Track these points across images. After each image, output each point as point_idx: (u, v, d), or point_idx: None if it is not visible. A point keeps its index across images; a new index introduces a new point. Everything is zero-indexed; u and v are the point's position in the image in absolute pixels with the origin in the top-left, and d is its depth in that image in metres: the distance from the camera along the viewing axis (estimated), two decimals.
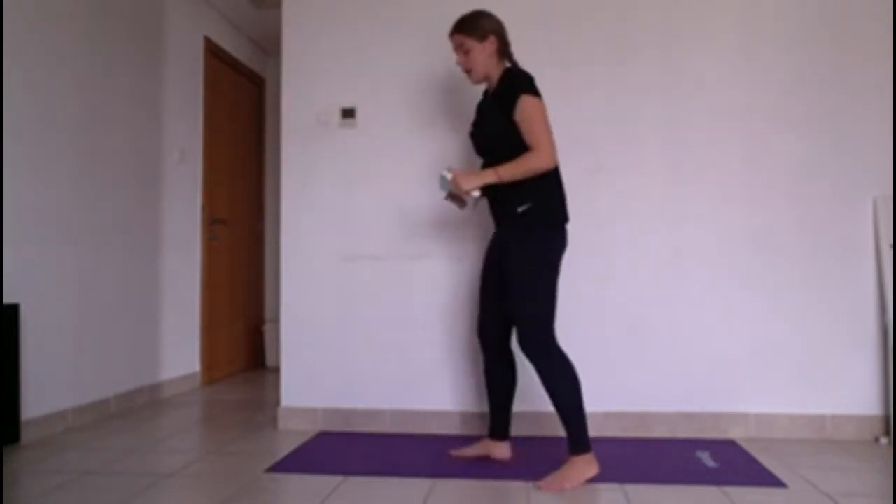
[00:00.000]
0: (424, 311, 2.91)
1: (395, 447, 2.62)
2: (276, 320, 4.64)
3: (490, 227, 2.83)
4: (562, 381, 2.15)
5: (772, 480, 2.17)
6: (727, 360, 2.76)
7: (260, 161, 5.20)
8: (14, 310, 2.66)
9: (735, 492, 2.06)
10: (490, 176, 2.14)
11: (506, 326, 2.34)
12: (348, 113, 2.98)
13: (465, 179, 2.15)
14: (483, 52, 2.23)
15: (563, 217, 2.24)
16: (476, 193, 2.20)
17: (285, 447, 2.62)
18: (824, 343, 2.74)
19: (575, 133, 2.74)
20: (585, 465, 2.14)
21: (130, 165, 3.50)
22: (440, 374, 2.89)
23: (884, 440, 2.64)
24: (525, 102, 2.13)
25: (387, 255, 2.94)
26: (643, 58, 2.84)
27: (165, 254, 3.82)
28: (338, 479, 2.21)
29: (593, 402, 2.50)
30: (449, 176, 2.20)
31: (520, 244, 2.18)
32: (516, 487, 2.13)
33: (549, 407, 2.69)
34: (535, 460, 2.40)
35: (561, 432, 2.66)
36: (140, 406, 3.47)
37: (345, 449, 2.60)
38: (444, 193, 2.37)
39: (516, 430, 2.67)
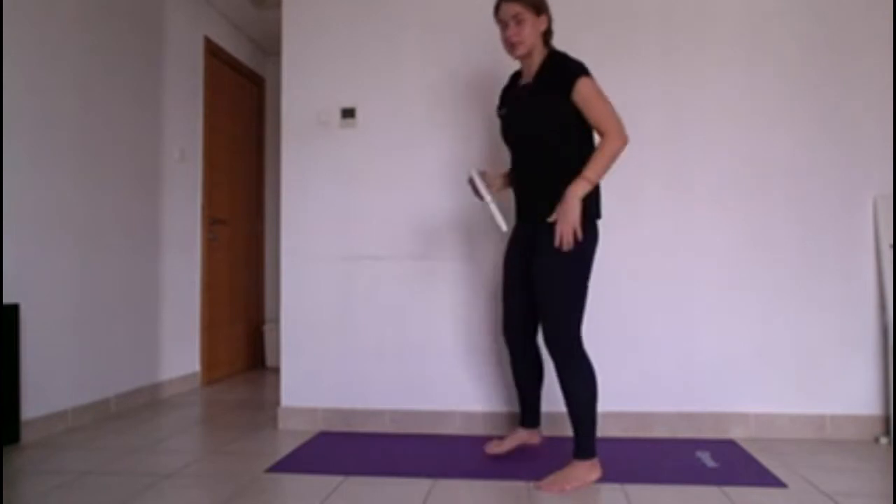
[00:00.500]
0: (424, 310, 2.91)
1: (395, 447, 2.62)
2: (276, 320, 4.64)
3: (490, 227, 2.83)
4: (581, 383, 2.14)
5: (772, 480, 2.17)
6: (727, 360, 2.76)
7: (260, 161, 5.20)
8: (14, 310, 2.66)
9: (735, 492, 2.06)
10: (584, 187, 2.03)
11: (533, 323, 2.31)
12: (348, 113, 2.98)
13: (568, 224, 2.02)
14: (536, 28, 2.13)
15: (596, 213, 2.18)
16: (489, 198, 2.17)
17: (285, 447, 2.62)
18: (824, 343, 2.73)
19: None
20: (589, 469, 2.14)
21: (130, 165, 3.50)
22: (440, 373, 2.89)
23: (884, 440, 2.64)
24: (586, 84, 2.07)
25: (387, 255, 2.94)
26: (643, 58, 2.84)
27: (165, 254, 3.82)
28: (338, 479, 2.21)
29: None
30: (476, 175, 2.20)
31: (553, 242, 2.08)
32: (517, 487, 2.13)
33: (549, 407, 2.70)
34: (537, 461, 2.40)
35: (561, 432, 2.66)
36: (140, 406, 3.47)
37: (345, 449, 2.60)
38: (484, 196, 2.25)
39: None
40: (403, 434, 2.83)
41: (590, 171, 2.05)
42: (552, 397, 2.54)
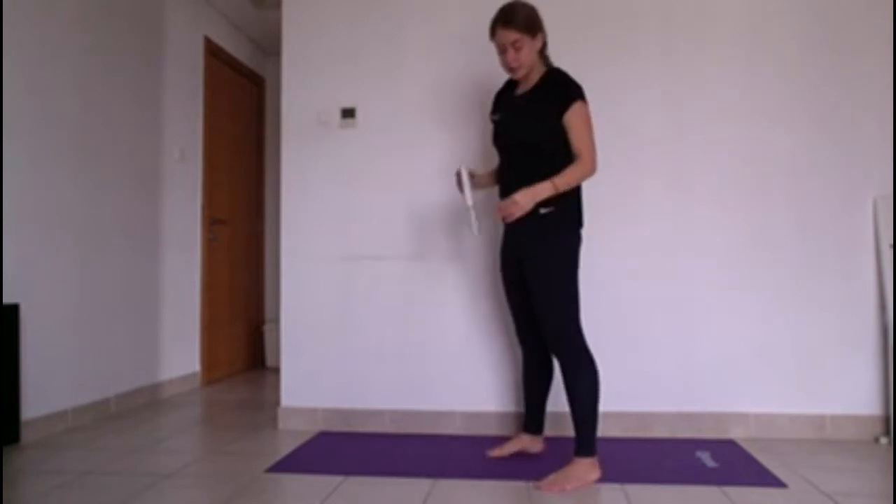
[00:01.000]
0: (424, 310, 2.91)
1: (395, 447, 2.62)
2: (276, 320, 4.64)
3: (490, 227, 2.83)
4: (584, 381, 2.17)
5: (772, 480, 2.17)
6: (727, 360, 2.76)
7: (260, 161, 5.20)
8: (14, 310, 2.66)
9: (735, 492, 2.06)
10: (548, 189, 2.09)
11: (535, 325, 2.34)
12: (348, 113, 2.98)
13: (522, 204, 2.08)
14: (533, 49, 2.18)
15: (580, 221, 2.25)
16: (470, 202, 2.24)
17: (285, 447, 2.62)
18: (824, 343, 2.73)
19: None
20: (589, 468, 2.15)
21: (130, 165, 3.50)
22: (440, 373, 2.89)
23: (884, 440, 2.64)
24: (581, 108, 2.15)
25: (387, 255, 2.94)
26: (643, 58, 2.84)
27: (165, 254, 3.82)
28: (338, 479, 2.21)
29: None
30: (465, 172, 2.27)
31: (541, 247, 2.17)
32: (517, 487, 2.13)
33: (550, 407, 2.70)
34: (538, 461, 2.40)
35: (560, 432, 2.66)
36: (140, 406, 3.47)
37: (345, 449, 2.60)
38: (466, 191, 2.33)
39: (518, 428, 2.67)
40: (403, 434, 2.83)
41: (559, 180, 2.11)
42: (554, 398, 2.55)
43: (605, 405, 2.72)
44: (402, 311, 2.92)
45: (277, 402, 3.05)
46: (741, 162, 2.79)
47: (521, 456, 2.45)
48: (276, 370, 3.44)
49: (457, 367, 2.88)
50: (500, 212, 2.13)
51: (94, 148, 3.20)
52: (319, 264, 2.97)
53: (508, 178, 2.28)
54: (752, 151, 2.79)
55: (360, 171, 2.97)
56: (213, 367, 4.32)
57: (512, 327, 2.63)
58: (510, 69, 2.23)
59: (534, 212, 2.14)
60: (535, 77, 2.25)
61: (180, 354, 3.97)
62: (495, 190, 2.57)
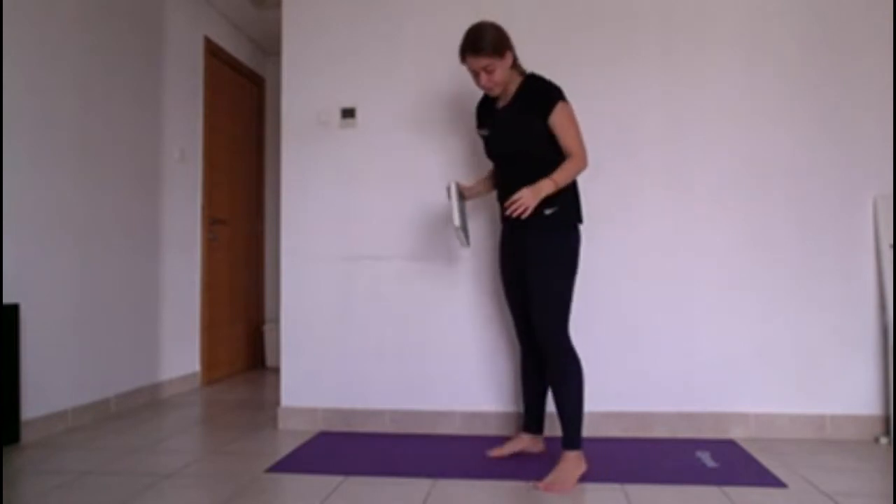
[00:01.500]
0: (424, 310, 2.91)
1: (395, 447, 2.62)
2: (276, 320, 4.64)
3: (489, 226, 2.83)
4: (572, 379, 2.23)
5: (772, 480, 2.17)
6: (727, 360, 2.76)
7: (260, 161, 5.20)
8: (14, 310, 2.66)
9: (735, 492, 2.06)
10: (549, 186, 2.14)
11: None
12: (348, 113, 2.98)
13: (528, 201, 2.11)
14: (504, 68, 2.23)
15: (580, 218, 2.31)
16: (457, 223, 2.27)
17: (285, 447, 2.62)
18: (824, 343, 2.73)
19: None
20: (577, 461, 2.19)
21: (130, 165, 3.50)
22: (440, 373, 2.89)
23: (884, 440, 2.64)
24: (564, 109, 2.21)
25: (387, 255, 2.94)
26: (643, 58, 2.84)
27: (165, 254, 3.82)
28: (338, 479, 2.21)
29: (593, 402, 2.50)
30: (454, 189, 2.33)
31: (545, 247, 2.23)
32: (517, 487, 2.13)
33: (550, 407, 2.70)
34: (537, 461, 2.40)
35: (560, 432, 2.66)
36: (140, 406, 3.47)
37: (345, 449, 2.60)
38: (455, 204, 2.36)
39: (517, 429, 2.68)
40: (403, 434, 2.83)
41: (558, 176, 2.17)
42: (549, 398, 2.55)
43: (605, 405, 2.73)
44: (402, 311, 2.92)
45: (277, 402, 3.05)
46: (741, 162, 2.79)
47: (520, 456, 2.45)
48: (276, 370, 3.44)
49: (457, 367, 2.88)
50: (515, 212, 2.13)
51: (94, 148, 3.20)
52: (319, 264, 2.97)
53: (506, 184, 2.32)
54: (752, 151, 2.79)
55: (360, 171, 2.97)
56: (213, 367, 4.32)
57: (512, 327, 2.64)
58: (486, 90, 2.29)
59: (538, 212, 2.19)
60: (513, 88, 2.30)
61: (180, 354, 3.97)
62: (488, 195, 2.60)
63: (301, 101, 3.01)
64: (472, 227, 2.86)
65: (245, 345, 4.84)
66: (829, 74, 2.77)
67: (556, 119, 2.20)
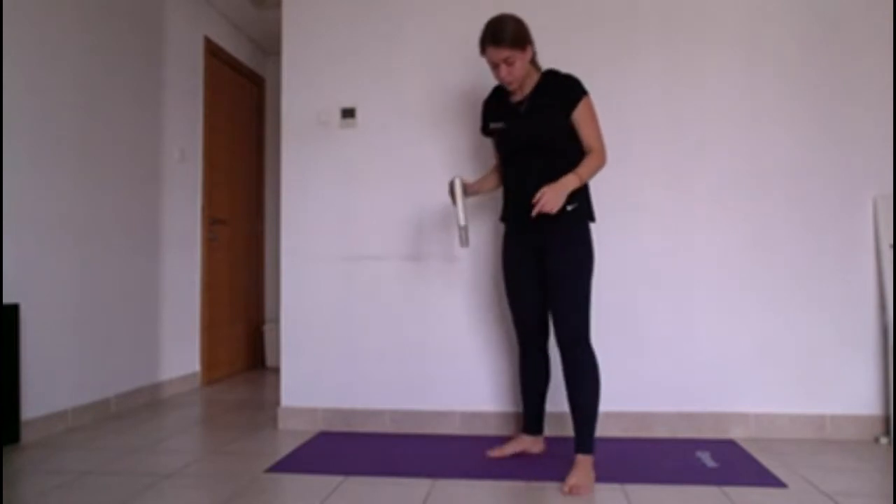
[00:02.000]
0: (424, 310, 2.91)
1: (395, 447, 2.62)
2: (276, 320, 4.64)
3: (490, 227, 2.83)
4: (591, 379, 2.21)
5: (772, 480, 2.17)
6: (727, 360, 2.76)
7: (260, 161, 5.20)
8: (14, 310, 2.66)
9: (735, 492, 2.06)
10: (574, 181, 2.13)
11: (545, 326, 2.37)
12: (348, 113, 2.98)
13: (555, 197, 2.08)
14: (524, 61, 2.21)
15: (594, 216, 2.30)
16: (462, 223, 2.26)
17: (285, 447, 2.62)
18: (824, 343, 2.73)
19: None
20: (591, 466, 2.17)
21: (130, 165, 3.50)
22: (440, 373, 2.89)
23: (884, 440, 2.64)
24: (588, 103, 2.22)
25: (387, 255, 2.94)
26: (643, 58, 2.84)
27: (165, 254, 3.82)
28: (338, 479, 2.21)
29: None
30: (458, 186, 2.29)
31: (569, 242, 2.21)
32: (517, 487, 2.13)
33: (549, 407, 2.70)
34: (537, 461, 2.40)
35: (560, 432, 2.66)
36: (140, 406, 3.47)
37: (345, 449, 2.60)
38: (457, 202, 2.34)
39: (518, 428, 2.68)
40: (403, 434, 2.83)
41: (582, 171, 2.17)
42: (553, 398, 2.55)
43: (605, 405, 2.72)
44: (402, 311, 2.92)
45: (277, 402, 3.05)
46: (741, 162, 2.79)
47: (520, 456, 2.45)
48: (276, 370, 3.45)
49: (457, 367, 2.88)
50: (543, 209, 2.09)
51: (94, 148, 3.20)
52: (319, 264, 2.97)
53: (523, 181, 2.26)
54: (752, 151, 2.79)
55: (360, 171, 2.97)
56: (213, 367, 4.32)
57: (511, 327, 2.63)
58: (505, 83, 2.26)
59: (561, 208, 2.15)
60: (530, 84, 2.28)
61: (180, 354, 3.97)
62: (489, 195, 2.59)
63: (301, 101, 3.01)
64: (472, 228, 2.85)
65: (245, 345, 4.84)
66: (829, 74, 2.77)
67: (581, 113, 2.20)
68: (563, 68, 2.30)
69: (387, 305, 2.93)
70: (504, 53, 2.17)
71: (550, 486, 2.13)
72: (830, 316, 2.74)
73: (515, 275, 2.37)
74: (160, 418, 3.20)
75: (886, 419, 2.68)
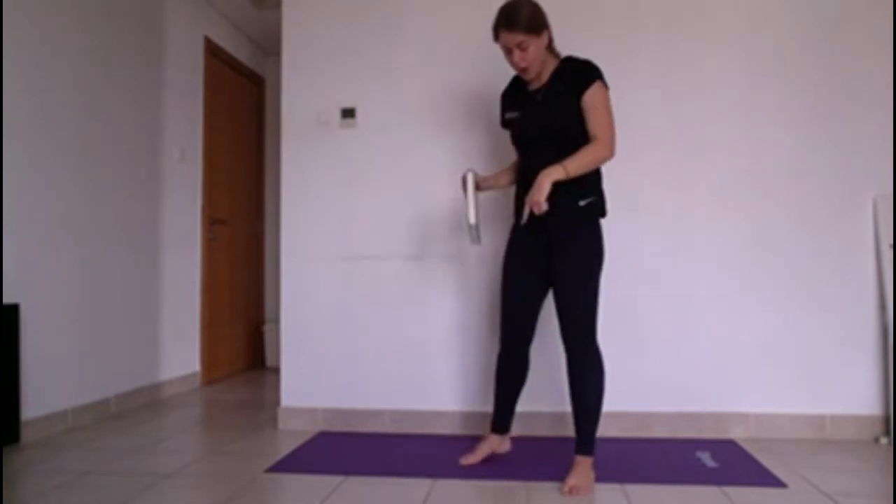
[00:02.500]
0: (424, 311, 2.91)
1: (395, 447, 2.62)
2: (276, 320, 4.64)
3: (491, 226, 2.83)
4: (597, 379, 2.17)
5: (772, 480, 2.17)
6: (727, 360, 2.76)
7: (260, 161, 5.20)
8: (14, 310, 2.66)
9: (735, 492, 2.06)
10: (558, 172, 2.02)
11: (533, 330, 2.34)
12: (348, 113, 2.98)
13: (536, 194, 2.01)
14: (540, 47, 2.13)
15: (603, 212, 2.24)
16: (472, 221, 2.18)
17: (285, 447, 2.62)
18: (824, 343, 2.73)
19: None
20: (591, 467, 2.16)
21: (130, 165, 3.50)
22: (440, 374, 2.89)
23: (884, 440, 2.64)
24: (599, 89, 2.12)
25: (387, 255, 2.94)
26: (643, 58, 2.84)
27: (165, 254, 3.82)
28: (338, 479, 2.21)
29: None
30: (470, 181, 2.22)
31: (580, 239, 2.15)
32: (516, 487, 2.13)
33: (548, 407, 2.70)
34: (537, 461, 2.40)
35: (560, 432, 2.66)
36: (140, 406, 3.47)
37: (345, 449, 2.60)
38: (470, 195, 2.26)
39: (519, 428, 2.67)
40: (403, 434, 2.83)
41: (570, 163, 2.05)
42: (553, 398, 2.55)
43: (605, 405, 2.71)
44: (403, 311, 2.92)
45: (277, 402, 3.05)
46: (741, 162, 2.79)
47: (520, 456, 2.45)
48: (276, 370, 3.45)
49: (457, 366, 2.88)
50: (536, 210, 2.03)
51: (94, 148, 3.20)
52: (319, 264, 2.97)
53: (535, 173, 2.15)
54: (752, 151, 2.79)
55: (360, 171, 2.97)
56: (213, 367, 4.32)
57: None
58: (520, 69, 2.19)
59: (573, 203, 2.11)
60: (547, 72, 2.21)
61: (180, 354, 3.97)
62: (501, 192, 2.56)
63: (301, 101, 3.01)
64: (464, 225, 2.85)
65: (245, 345, 4.84)
66: (829, 74, 2.77)
67: (590, 98, 2.10)
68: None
69: (387, 305, 2.93)
70: (517, 38, 2.10)
71: (550, 487, 2.13)
72: (830, 316, 2.74)
73: (515, 273, 2.30)
74: (160, 418, 3.20)
75: (886, 419, 2.68)
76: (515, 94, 2.33)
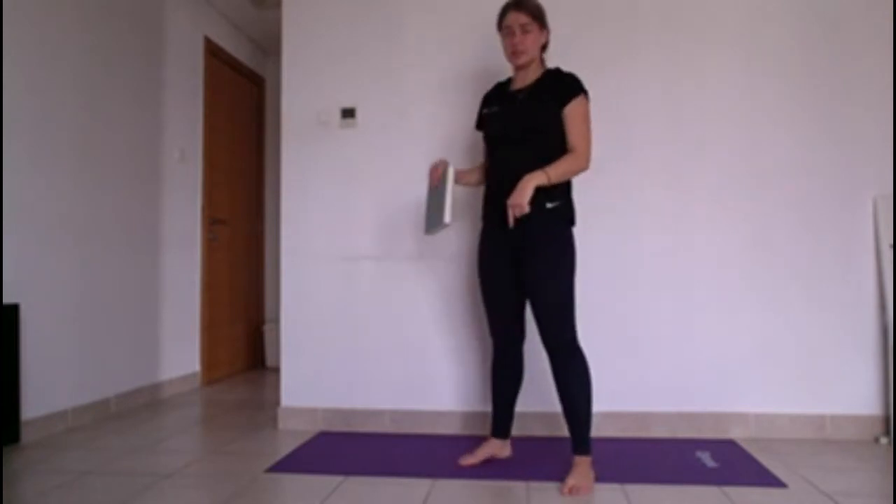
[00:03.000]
0: (424, 310, 2.91)
1: (395, 447, 2.62)
2: (276, 320, 4.64)
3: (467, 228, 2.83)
4: (582, 382, 2.16)
5: (772, 480, 2.17)
6: (727, 360, 2.76)
7: (260, 161, 5.20)
8: (14, 310, 2.66)
9: (735, 492, 2.06)
10: (540, 178, 2.07)
11: (521, 328, 2.34)
12: (348, 113, 2.98)
13: (517, 197, 2.04)
14: (538, 40, 2.23)
15: (572, 220, 2.24)
16: (448, 220, 2.15)
17: (285, 447, 2.62)
18: (824, 343, 2.73)
19: None
20: (590, 466, 2.16)
21: (130, 165, 3.50)
22: (440, 374, 2.89)
23: (884, 440, 2.64)
24: (582, 102, 2.19)
25: (387, 255, 2.94)
26: (643, 58, 2.84)
27: (165, 254, 3.82)
28: (338, 479, 2.21)
29: (593, 402, 2.49)
30: (451, 176, 2.19)
31: (549, 241, 2.15)
32: (516, 487, 2.13)
33: (547, 408, 2.70)
34: (537, 461, 2.40)
35: (559, 432, 2.66)
36: (140, 406, 3.47)
37: (345, 449, 2.60)
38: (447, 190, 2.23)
39: (517, 429, 2.67)
40: (403, 434, 2.83)
41: (552, 170, 2.10)
42: (551, 399, 2.55)
43: (604, 405, 2.73)
44: (402, 311, 2.92)
45: (277, 402, 3.05)
46: (741, 162, 2.79)
47: (520, 457, 2.45)
48: (276, 370, 3.44)
49: (457, 367, 2.88)
50: (516, 212, 2.05)
51: (94, 148, 3.20)
52: (319, 264, 2.97)
53: (501, 173, 2.22)
54: (753, 151, 2.79)
55: (360, 171, 2.97)
56: (213, 367, 4.32)
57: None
58: (515, 52, 2.22)
59: (541, 206, 2.12)
60: (532, 75, 2.26)
61: (180, 354, 3.97)
62: (477, 187, 2.54)
63: (301, 101, 3.01)
64: (472, 228, 2.86)
65: (245, 345, 4.84)
66: (829, 74, 2.77)
67: (572, 110, 2.16)
68: (563, 68, 2.30)
69: (387, 305, 2.93)
70: (523, 19, 2.19)
71: (550, 487, 2.13)
72: (830, 316, 2.74)
73: (491, 275, 2.31)
74: (160, 418, 3.20)
75: (886, 419, 2.68)
76: (497, 95, 2.38)
